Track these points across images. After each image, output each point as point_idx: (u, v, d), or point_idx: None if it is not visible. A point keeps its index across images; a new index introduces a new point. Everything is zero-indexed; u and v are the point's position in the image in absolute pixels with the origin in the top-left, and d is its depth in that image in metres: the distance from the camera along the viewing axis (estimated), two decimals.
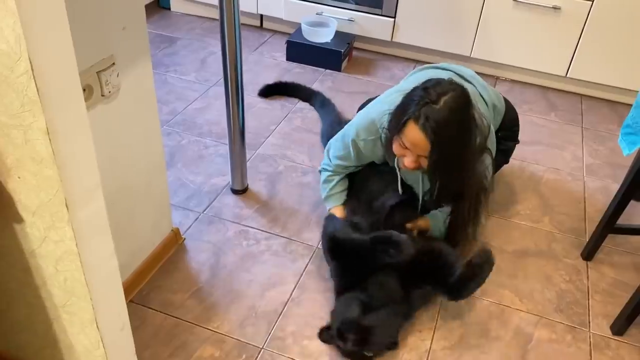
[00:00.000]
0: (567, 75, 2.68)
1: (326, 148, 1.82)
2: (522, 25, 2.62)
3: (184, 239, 1.80)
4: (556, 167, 2.25)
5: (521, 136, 2.40)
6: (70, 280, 1.08)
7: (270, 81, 2.60)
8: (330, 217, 1.72)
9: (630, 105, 2.64)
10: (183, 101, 2.49)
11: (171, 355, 1.46)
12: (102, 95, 1.27)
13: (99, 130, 1.30)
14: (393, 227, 1.53)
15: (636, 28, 2.46)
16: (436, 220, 1.66)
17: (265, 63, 2.83)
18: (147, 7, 3.21)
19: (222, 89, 1.79)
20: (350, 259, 1.53)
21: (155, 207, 1.63)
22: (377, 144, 1.63)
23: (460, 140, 1.43)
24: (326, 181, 1.79)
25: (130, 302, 1.58)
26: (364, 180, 1.76)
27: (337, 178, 1.77)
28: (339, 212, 1.74)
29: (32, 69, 0.79)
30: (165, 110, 2.41)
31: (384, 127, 1.57)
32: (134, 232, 1.56)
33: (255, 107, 2.48)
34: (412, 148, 1.44)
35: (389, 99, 1.63)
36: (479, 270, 1.48)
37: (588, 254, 1.83)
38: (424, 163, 1.45)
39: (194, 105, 2.47)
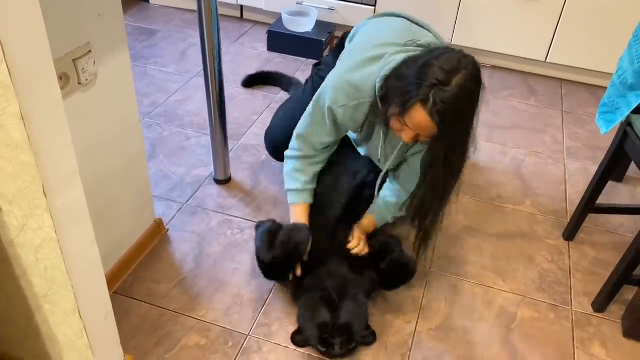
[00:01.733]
0: (547, 60, 2.70)
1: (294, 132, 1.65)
2: (502, 11, 2.63)
3: (167, 229, 1.79)
4: (537, 151, 2.28)
5: (502, 121, 2.43)
6: (51, 269, 1.07)
7: (252, 71, 2.59)
8: (259, 231, 1.60)
9: None
10: (164, 93, 2.47)
11: (157, 345, 1.45)
12: (79, 84, 1.25)
13: (77, 119, 1.28)
14: (339, 247, 1.54)
15: (613, 12, 2.48)
16: (380, 212, 1.63)
17: (247, 54, 2.82)
18: (125, 0, 3.17)
19: (203, 80, 1.79)
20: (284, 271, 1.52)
21: (137, 197, 1.62)
22: (360, 110, 1.48)
23: (468, 124, 1.34)
24: (296, 171, 1.62)
25: (114, 294, 1.57)
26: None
27: (308, 169, 1.63)
28: (299, 212, 1.61)
29: (4, 51, 0.78)
30: (146, 103, 2.39)
31: (376, 95, 1.42)
32: (116, 222, 1.55)
33: (237, 97, 2.47)
34: (415, 129, 1.32)
35: (366, 56, 1.47)
36: (399, 270, 1.52)
37: (569, 234, 1.86)
38: (423, 139, 1.38)
39: (175, 97, 2.45)
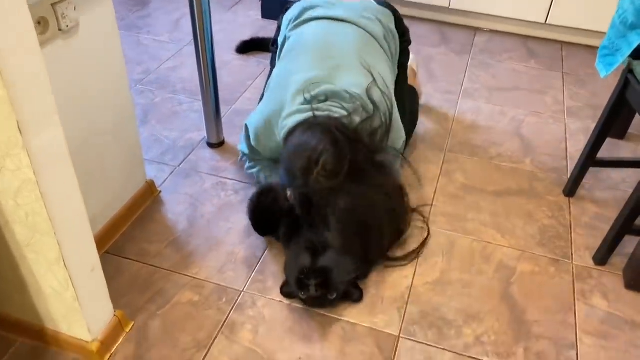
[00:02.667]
0: (547, 22, 2.64)
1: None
2: None
3: (160, 191, 1.76)
4: (537, 111, 2.23)
5: (502, 83, 2.38)
6: (32, 216, 1.04)
7: (246, 38, 2.55)
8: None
9: None
10: (156, 61, 2.43)
11: (149, 302, 1.43)
12: (60, 30, 1.22)
13: (60, 67, 1.25)
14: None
15: None
16: None
17: (240, 22, 2.77)
18: None
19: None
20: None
21: (127, 156, 1.59)
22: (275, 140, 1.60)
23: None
24: (251, 167, 1.77)
25: (105, 254, 1.55)
26: None
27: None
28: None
29: None
30: (138, 70, 2.36)
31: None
32: (105, 181, 1.52)
33: (231, 64, 2.43)
34: None
35: (272, 104, 1.59)
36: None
37: (570, 190, 1.82)
38: None
39: (167, 64, 2.41)
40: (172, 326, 1.37)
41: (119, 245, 1.58)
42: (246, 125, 1.68)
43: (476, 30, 2.80)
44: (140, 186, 1.69)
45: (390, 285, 1.50)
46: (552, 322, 1.43)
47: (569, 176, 1.88)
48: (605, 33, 2.61)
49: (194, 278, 1.50)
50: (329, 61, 1.58)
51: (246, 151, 1.73)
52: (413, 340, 1.37)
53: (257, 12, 2.84)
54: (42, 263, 1.13)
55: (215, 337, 1.35)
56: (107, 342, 1.30)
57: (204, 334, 1.36)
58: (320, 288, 1.34)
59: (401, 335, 1.38)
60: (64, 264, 1.11)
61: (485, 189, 1.84)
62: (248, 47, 2.52)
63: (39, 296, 1.21)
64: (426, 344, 1.36)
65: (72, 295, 1.17)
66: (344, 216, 1.37)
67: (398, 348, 1.35)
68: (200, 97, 1.91)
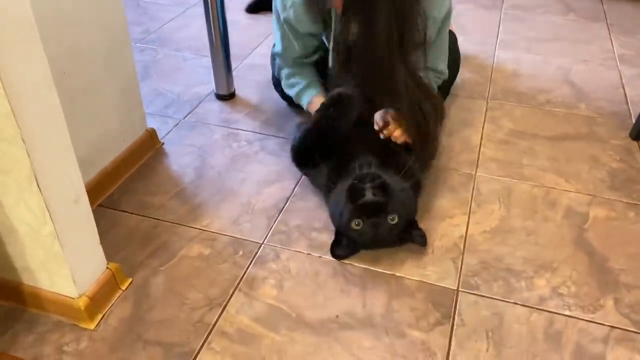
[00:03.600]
0: None
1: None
2: None
3: (163, 143, 1.52)
4: (584, 59, 1.98)
5: (541, 34, 2.14)
6: None
7: None
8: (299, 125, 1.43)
9: None
10: (158, 21, 2.22)
11: (150, 256, 1.18)
12: None
13: None
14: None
15: None
16: None
17: None
18: None
19: (201, 9, 1.57)
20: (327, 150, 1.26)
21: (122, 92, 1.35)
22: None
23: None
24: (290, 76, 1.47)
25: (98, 207, 1.30)
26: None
27: (301, 69, 1.47)
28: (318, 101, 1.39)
29: None
30: (138, 30, 2.14)
31: None
32: (96, 118, 1.28)
33: (241, 23, 2.21)
34: None
35: None
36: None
37: (637, 133, 1.56)
38: None
39: (170, 24, 2.19)
40: (179, 283, 1.12)
41: (114, 198, 1.34)
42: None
43: None
44: (140, 134, 1.45)
45: (439, 234, 1.25)
46: None
47: (633, 120, 1.63)
48: None
49: (204, 230, 1.25)
50: None
51: (279, 50, 1.44)
52: (475, 294, 1.11)
53: None
54: (10, 187, 0.88)
55: (232, 294, 1.10)
56: (98, 300, 1.05)
57: (217, 291, 1.10)
58: (379, 191, 1.09)
59: (460, 289, 1.12)
60: (38, 186, 0.86)
61: (539, 134, 1.58)
62: (258, 6, 2.29)
63: (10, 238, 0.96)
64: (492, 298, 1.10)
65: (50, 232, 0.92)
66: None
67: (458, 303, 1.09)
68: (207, 54, 1.69)
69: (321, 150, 1.26)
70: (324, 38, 1.43)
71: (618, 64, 1.96)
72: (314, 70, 1.47)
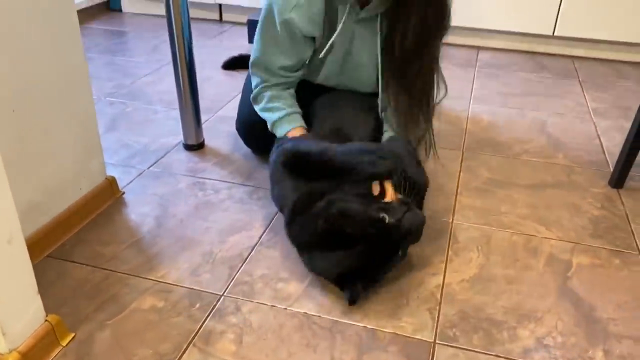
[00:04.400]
0: (555, 34, 2.46)
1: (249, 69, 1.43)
2: None
3: (123, 192, 1.44)
4: (559, 112, 1.98)
5: (515, 90, 2.15)
6: None
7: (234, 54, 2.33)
8: (283, 140, 1.30)
9: (628, 61, 2.44)
10: (131, 77, 2.19)
11: (97, 310, 1.07)
12: None
13: None
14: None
15: None
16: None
17: (226, 46, 2.57)
18: (96, 9, 2.97)
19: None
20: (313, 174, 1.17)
21: (79, 138, 1.28)
22: (316, 3, 1.25)
23: None
24: (270, 100, 1.36)
25: (47, 257, 1.20)
26: (320, 106, 1.43)
27: (282, 93, 1.38)
28: (299, 133, 1.33)
29: None
30: (109, 85, 2.10)
31: None
32: (49, 161, 1.20)
33: (215, 79, 2.19)
34: None
35: None
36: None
37: (617, 181, 1.52)
38: None
39: (144, 80, 2.16)
40: (127, 337, 1.01)
41: (65, 248, 1.24)
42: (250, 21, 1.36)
43: (479, 49, 2.61)
44: (98, 182, 1.37)
45: (415, 283, 1.16)
46: (632, 319, 1.08)
47: (611, 169, 1.59)
48: (615, 43, 2.44)
49: (159, 282, 1.15)
50: None
51: (265, 59, 1.35)
52: (454, 347, 1.01)
53: (243, 39, 2.65)
54: None
55: (185, 350, 0.99)
56: (33, 356, 0.93)
57: (169, 346, 0.99)
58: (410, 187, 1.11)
59: (437, 341, 1.02)
60: None
61: (516, 182, 1.54)
62: (235, 63, 2.29)
63: None
64: (473, 350, 1.00)
65: None
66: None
67: (435, 356, 0.99)
68: (177, 106, 1.65)
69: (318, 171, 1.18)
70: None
71: (592, 117, 1.95)
72: (295, 101, 1.39)
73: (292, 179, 1.18)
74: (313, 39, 1.34)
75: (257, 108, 1.41)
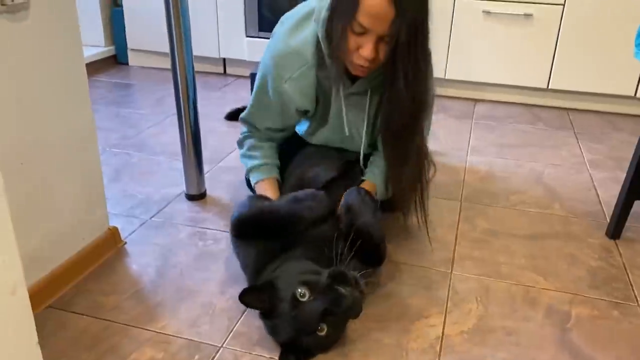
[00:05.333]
0: (549, 87, 2.53)
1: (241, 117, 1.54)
2: (496, 38, 2.50)
3: (125, 242, 1.46)
4: (555, 163, 2.01)
5: (511, 141, 2.19)
6: None
7: (238, 106, 2.39)
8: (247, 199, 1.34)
9: (621, 113, 2.49)
10: (135, 129, 2.24)
11: None
12: (3, 4, 1.01)
13: (3, 53, 1.03)
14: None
15: (610, 28, 2.36)
16: (376, 179, 1.40)
17: (229, 99, 2.64)
18: (104, 62, 3.06)
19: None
20: (265, 233, 1.21)
21: (84, 190, 1.31)
22: (306, 79, 1.32)
23: (423, 8, 1.17)
24: (251, 148, 1.48)
25: (47, 308, 1.21)
26: (298, 156, 1.49)
27: (264, 144, 1.48)
28: (269, 187, 1.41)
29: None
30: (114, 137, 2.15)
31: (318, 47, 1.29)
32: (53, 213, 1.23)
33: (219, 130, 2.24)
34: (372, 24, 1.13)
35: (297, 19, 1.34)
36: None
37: (613, 232, 1.54)
38: (383, 52, 1.18)
39: (148, 131, 2.21)
40: None
41: (66, 299, 1.25)
42: (252, 75, 1.46)
43: (475, 102, 2.68)
44: (100, 233, 1.39)
45: (414, 335, 1.16)
46: None
47: (607, 219, 1.61)
48: (609, 95, 2.50)
49: (159, 333, 1.15)
50: None
51: (253, 119, 1.47)
52: None
53: (246, 91, 2.72)
54: None
55: None
56: None
57: None
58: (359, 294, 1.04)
59: None
60: None
61: (514, 233, 1.55)
62: (237, 114, 2.31)
63: None
64: None
65: None
66: None
67: None
68: (181, 157, 1.69)
69: (265, 230, 1.21)
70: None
71: (588, 167, 1.99)
72: (275, 154, 1.49)
73: (246, 246, 1.24)
74: (304, 112, 1.41)
75: (239, 152, 1.52)
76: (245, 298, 1.07)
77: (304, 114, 1.42)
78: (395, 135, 1.31)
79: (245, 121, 1.51)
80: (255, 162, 1.45)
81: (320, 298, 1.02)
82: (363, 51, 1.17)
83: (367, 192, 1.31)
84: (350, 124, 1.38)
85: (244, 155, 1.50)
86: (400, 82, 1.19)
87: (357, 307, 1.04)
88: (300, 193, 1.25)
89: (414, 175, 1.34)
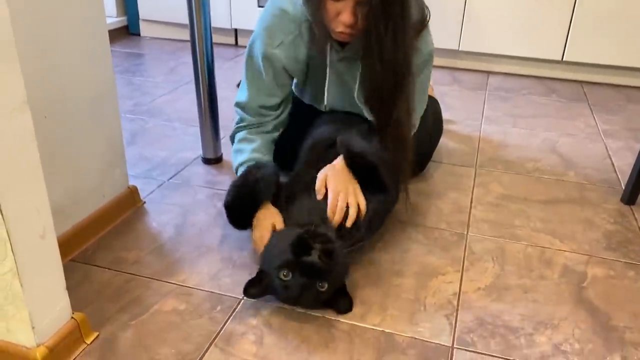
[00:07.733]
0: (564, 59, 2.51)
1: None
2: (511, 9, 2.48)
3: (144, 202, 1.48)
4: (570, 133, 2.01)
5: (526, 112, 2.19)
6: None
7: None
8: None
9: (636, 86, 2.48)
10: (150, 96, 2.25)
11: (120, 311, 1.09)
12: None
13: (31, 8, 1.03)
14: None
15: (627, 2, 2.33)
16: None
17: (241, 68, 2.62)
18: (116, 33, 3.06)
19: (193, 87, 1.63)
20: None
21: (105, 147, 1.32)
22: (299, 44, 1.30)
23: None
24: (240, 141, 1.37)
25: (70, 261, 1.23)
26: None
27: (256, 137, 1.37)
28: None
29: None
30: (129, 103, 2.16)
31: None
32: (75, 168, 1.24)
33: (230, 98, 2.22)
34: None
35: None
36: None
37: (629, 198, 1.54)
38: (362, 19, 1.15)
39: (162, 99, 2.22)
40: (149, 337, 1.03)
41: (88, 253, 1.27)
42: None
43: (488, 74, 2.66)
44: (121, 191, 1.41)
45: (432, 291, 1.17)
46: None
47: (622, 187, 1.62)
48: (625, 68, 2.49)
49: (181, 285, 1.17)
50: None
51: (245, 97, 1.37)
52: (472, 351, 1.02)
53: None
54: None
55: (207, 350, 1.00)
56: (59, 353, 0.95)
57: (190, 346, 1.01)
58: (325, 257, 1.02)
59: (455, 346, 1.03)
60: (1, 213, 0.81)
61: (529, 198, 1.56)
62: None
63: None
64: (490, 355, 1.01)
65: (10, 268, 0.85)
66: None
67: None
68: (196, 124, 1.70)
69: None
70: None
71: (603, 137, 1.98)
72: (268, 149, 1.39)
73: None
74: (292, 79, 1.39)
75: (232, 147, 1.41)
76: (250, 292, 1.08)
77: (291, 79, 1.40)
78: (379, 102, 1.26)
79: (238, 104, 1.41)
80: (242, 157, 1.34)
81: (297, 272, 1.02)
82: (341, 17, 1.16)
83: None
84: (345, 87, 1.36)
85: (233, 151, 1.39)
86: (375, 46, 1.16)
87: (332, 263, 1.03)
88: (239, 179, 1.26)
89: (400, 138, 1.29)
